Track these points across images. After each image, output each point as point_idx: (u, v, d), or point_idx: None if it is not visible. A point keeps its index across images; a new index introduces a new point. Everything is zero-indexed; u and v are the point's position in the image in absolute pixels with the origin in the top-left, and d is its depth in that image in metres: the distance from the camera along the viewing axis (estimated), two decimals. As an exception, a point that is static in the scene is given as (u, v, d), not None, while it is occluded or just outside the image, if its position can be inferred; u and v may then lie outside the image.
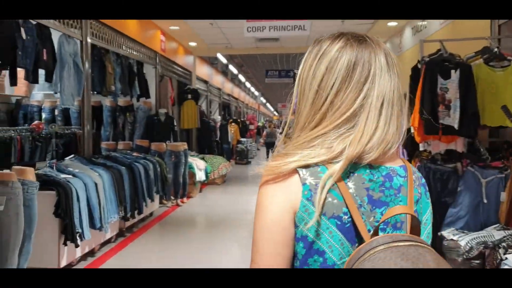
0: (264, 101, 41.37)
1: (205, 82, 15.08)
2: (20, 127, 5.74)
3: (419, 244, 0.85)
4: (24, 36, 4.27)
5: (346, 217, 0.91)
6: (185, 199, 8.62)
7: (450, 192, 3.64)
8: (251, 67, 19.16)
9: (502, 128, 3.99)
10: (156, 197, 7.13)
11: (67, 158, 5.19)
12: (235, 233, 6.41)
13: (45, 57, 4.69)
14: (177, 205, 8.26)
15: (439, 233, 3.33)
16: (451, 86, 3.66)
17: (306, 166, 0.95)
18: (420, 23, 7.53)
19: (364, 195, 0.93)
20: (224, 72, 20.48)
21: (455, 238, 3.13)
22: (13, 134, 5.23)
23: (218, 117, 17.36)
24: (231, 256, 5.44)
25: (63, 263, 4.21)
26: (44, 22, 4.75)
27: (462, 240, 3.07)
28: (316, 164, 0.94)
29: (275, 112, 62.58)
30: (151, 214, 7.16)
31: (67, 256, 4.25)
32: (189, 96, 11.35)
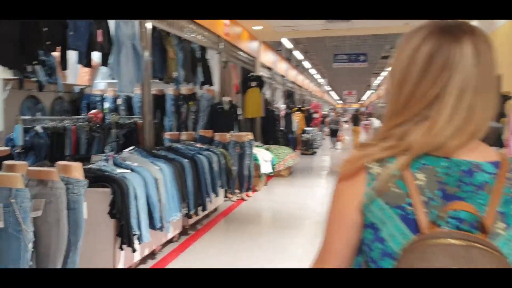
0: (328, 88, 40.09)
1: (269, 69, 14.44)
2: (76, 117, 5.40)
3: (481, 246, 0.84)
4: (76, 15, 3.84)
5: (409, 207, 0.91)
6: (250, 193, 8.08)
7: None
8: (317, 52, 18.27)
9: None
10: (221, 192, 6.62)
11: (126, 150, 4.77)
12: (302, 231, 5.76)
13: (100, 39, 4.26)
14: (242, 199, 7.74)
15: None
16: None
17: (378, 158, 0.95)
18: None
19: (435, 188, 0.92)
20: (288, 58, 19.74)
21: None
22: (67, 125, 4.89)
23: (282, 106, 16.71)
24: (297, 255, 4.80)
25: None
26: None
27: None
28: (388, 155, 0.95)
29: (338, 101, 60.88)
30: (215, 209, 6.68)
31: (124, 260, 3.80)
32: (254, 83, 10.77)
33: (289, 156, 10.56)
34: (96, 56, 4.68)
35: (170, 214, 4.50)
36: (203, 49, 7.72)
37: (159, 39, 5.91)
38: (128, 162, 4.21)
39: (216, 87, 8.37)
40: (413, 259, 0.85)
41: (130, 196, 3.74)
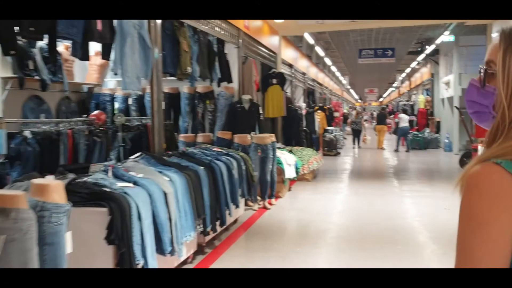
0: (348, 86, 39.03)
1: (290, 66, 13.67)
2: (74, 119, 4.73)
3: None
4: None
5: None
6: (273, 200, 7.34)
7: None
8: (340, 48, 17.39)
9: None
10: (241, 201, 5.90)
11: (131, 158, 4.07)
12: (332, 247, 4.99)
13: (99, 27, 3.57)
14: (265, 207, 7.00)
15: None
16: None
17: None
18: None
19: None
20: (309, 55, 18.93)
21: None
22: (62, 129, 4.20)
23: (303, 104, 15.91)
24: None
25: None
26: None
27: None
28: None
29: (358, 99, 59.54)
30: (235, 221, 5.96)
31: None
32: (275, 80, 10.02)
33: (313, 159, 9.79)
34: (95, 47, 3.99)
35: (183, 234, 3.79)
36: (220, 42, 7.00)
37: (171, 30, 5.22)
38: (132, 173, 3.51)
39: (235, 84, 7.65)
40: None
41: (133, 217, 3.04)
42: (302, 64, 16.18)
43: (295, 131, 11.09)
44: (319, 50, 17.16)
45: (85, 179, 3.15)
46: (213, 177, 4.74)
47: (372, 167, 12.60)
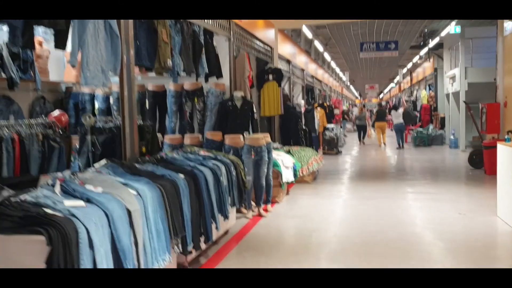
0: (348, 83, 38.33)
1: (288, 61, 12.99)
2: (26, 120, 4.04)
3: None
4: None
5: None
6: (269, 206, 6.68)
7: None
8: (339, 42, 16.71)
9: None
10: (232, 211, 5.24)
11: (94, 166, 3.41)
12: (337, 262, 4.33)
13: (47, 8, 2.87)
14: (260, 215, 6.34)
15: None
16: None
17: None
18: None
19: None
20: (308, 51, 18.27)
21: None
22: (6, 133, 3.51)
23: (301, 102, 15.24)
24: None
25: None
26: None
27: None
28: None
29: (358, 96, 58.76)
30: (226, 232, 5.31)
31: None
32: (271, 76, 9.37)
33: (313, 159, 9.12)
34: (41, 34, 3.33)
35: (155, 259, 3.12)
36: (208, 33, 6.33)
37: (147, 17, 4.53)
38: (88, 187, 2.84)
39: (226, 80, 6.99)
40: None
41: (81, 245, 2.38)
42: (301, 60, 15.51)
43: (293, 130, 10.42)
44: (318, 45, 16.49)
45: (23, 197, 2.48)
46: (196, 187, 4.08)
47: (376, 166, 11.93)
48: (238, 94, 6.77)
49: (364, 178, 9.74)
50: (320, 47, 17.13)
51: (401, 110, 16.76)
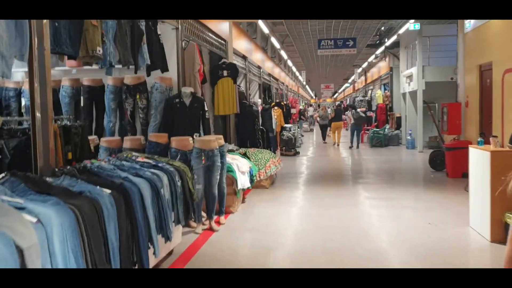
0: (304, 83, 38.16)
1: (244, 57, 12.27)
2: None
3: None
4: None
5: None
6: (222, 218, 5.93)
7: None
8: (296, 39, 16.17)
9: None
10: (177, 229, 4.45)
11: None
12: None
13: None
14: (211, 229, 5.58)
15: None
16: None
17: None
18: None
19: None
20: (264, 49, 17.65)
21: None
22: None
23: (258, 100, 14.59)
24: None
25: None
26: None
27: None
28: None
29: (314, 96, 59.07)
30: (170, 252, 4.51)
31: None
32: (225, 72, 8.62)
33: (271, 162, 8.46)
34: None
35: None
36: (151, 20, 5.48)
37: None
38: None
39: (173, 74, 6.16)
40: None
41: None
42: (257, 57, 14.84)
43: (250, 131, 9.71)
44: (274, 42, 15.87)
45: None
46: (127, 205, 3.26)
47: (335, 168, 11.43)
48: (186, 90, 5.96)
49: (324, 182, 9.17)
50: (277, 44, 16.52)
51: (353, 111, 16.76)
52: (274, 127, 13.37)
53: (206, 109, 6.12)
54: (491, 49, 8.10)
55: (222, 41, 9.15)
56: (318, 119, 18.84)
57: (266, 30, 13.27)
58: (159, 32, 5.67)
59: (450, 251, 4.66)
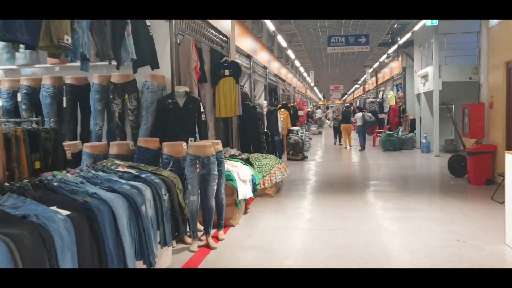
0: (312, 84, 37.41)
1: (248, 57, 11.61)
2: None
3: None
4: None
5: None
6: (221, 233, 5.25)
7: None
8: (304, 37, 15.46)
9: None
10: (165, 251, 3.78)
11: None
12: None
13: None
14: (208, 246, 4.90)
15: None
16: None
17: None
18: None
19: None
20: (270, 48, 16.99)
21: None
22: None
23: (264, 102, 13.92)
24: None
25: None
26: None
27: None
28: None
29: (322, 98, 58.22)
30: (156, 278, 3.82)
31: None
32: (227, 71, 7.97)
33: (276, 168, 7.77)
34: None
35: None
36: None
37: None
38: None
39: (166, 71, 5.50)
40: None
41: None
42: (263, 57, 14.18)
43: (253, 134, 9.04)
44: (281, 40, 15.18)
45: None
46: (92, 228, 2.60)
47: (346, 174, 10.70)
48: (180, 89, 5.29)
49: (335, 190, 8.45)
50: (283, 43, 15.84)
51: (361, 114, 16.33)
52: (280, 130, 12.71)
53: (202, 110, 5.46)
54: (520, 43, 7.37)
55: (224, 38, 8.49)
56: (327, 121, 18.47)
57: (272, 27, 12.60)
58: (148, 24, 5.02)
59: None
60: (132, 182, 3.35)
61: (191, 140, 5.19)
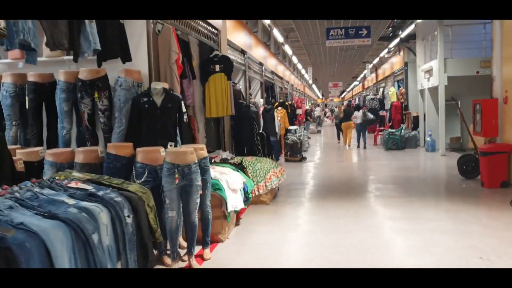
0: (310, 81, 36.69)
1: (242, 52, 10.90)
2: None
3: None
4: None
5: None
6: (206, 251, 4.55)
7: None
8: (301, 30, 14.74)
9: None
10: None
11: None
12: None
13: None
14: (191, 266, 4.20)
15: None
16: None
17: None
18: None
19: None
20: (267, 44, 16.28)
21: None
22: None
23: (260, 100, 13.22)
24: None
25: None
26: None
27: None
28: None
29: (321, 96, 57.43)
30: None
31: None
32: (217, 67, 7.28)
33: (272, 173, 7.06)
34: None
35: None
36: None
37: None
38: None
39: (143, 65, 4.79)
40: None
41: None
42: (259, 53, 13.47)
43: (247, 135, 8.33)
44: (277, 35, 14.46)
45: None
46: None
47: (348, 176, 10.00)
48: (157, 85, 4.58)
49: (336, 195, 7.73)
50: (280, 38, 15.13)
51: (358, 113, 15.82)
52: (277, 129, 12.02)
53: (184, 110, 4.74)
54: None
55: (214, 30, 7.78)
56: (326, 119, 17.90)
57: (267, 21, 11.90)
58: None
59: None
60: (84, 203, 2.65)
61: (170, 145, 4.49)
